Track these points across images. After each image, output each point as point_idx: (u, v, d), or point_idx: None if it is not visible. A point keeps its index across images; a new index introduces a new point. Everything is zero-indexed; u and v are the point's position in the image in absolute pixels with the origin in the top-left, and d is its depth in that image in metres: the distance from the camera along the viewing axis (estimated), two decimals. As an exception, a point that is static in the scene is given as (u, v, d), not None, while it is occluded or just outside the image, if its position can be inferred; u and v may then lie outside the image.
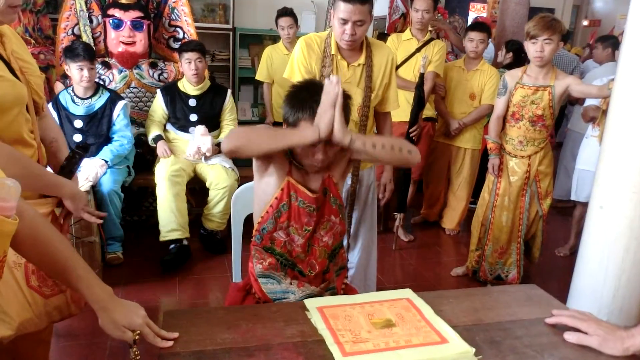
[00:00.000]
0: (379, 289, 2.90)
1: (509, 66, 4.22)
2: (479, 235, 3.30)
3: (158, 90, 3.62)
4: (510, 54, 4.52)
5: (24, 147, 1.55)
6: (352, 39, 2.24)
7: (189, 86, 3.58)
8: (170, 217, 3.30)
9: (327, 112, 1.50)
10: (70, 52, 3.20)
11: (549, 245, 3.90)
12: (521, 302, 1.43)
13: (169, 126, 3.66)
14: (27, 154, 1.55)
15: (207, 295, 3.11)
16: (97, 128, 3.31)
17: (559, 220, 4.67)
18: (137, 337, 1.16)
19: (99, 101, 3.32)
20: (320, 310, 1.33)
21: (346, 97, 1.59)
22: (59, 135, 1.82)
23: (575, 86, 2.94)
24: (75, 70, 3.18)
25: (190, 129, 3.56)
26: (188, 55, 3.48)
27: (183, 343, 1.18)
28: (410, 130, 3.57)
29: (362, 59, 2.37)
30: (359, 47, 2.37)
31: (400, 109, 3.73)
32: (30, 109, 1.60)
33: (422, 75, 3.48)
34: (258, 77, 4.56)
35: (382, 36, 6.33)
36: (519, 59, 4.45)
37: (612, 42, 5.04)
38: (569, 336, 1.23)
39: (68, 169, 1.69)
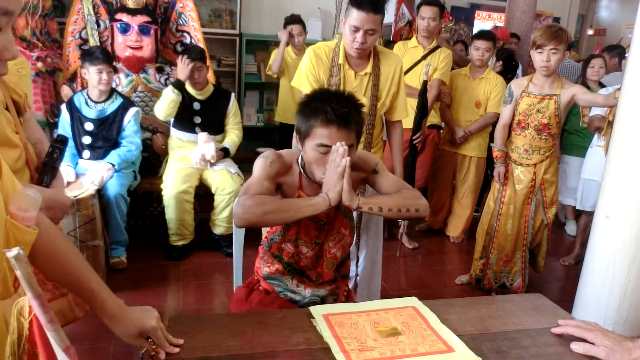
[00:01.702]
0: (383, 296, 2.89)
1: (500, 75, 4.22)
2: (484, 244, 3.29)
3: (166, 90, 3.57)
4: (500, 62, 4.52)
5: (10, 147, 1.51)
6: (362, 47, 2.25)
7: (192, 90, 3.58)
8: (177, 229, 3.47)
9: (336, 184, 1.54)
10: (89, 56, 3.24)
11: (554, 254, 3.89)
12: (527, 312, 1.43)
13: (173, 131, 3.66)
14: (13, 155, 1.52)
15: (212, 300, 3.11)
16: (107, 132, 3.33)
17: (564, 229, 4.66)
18: (153, 352, 1.15)
19: (111, 106, 3.34)
20: (325, 317, 1.33)
21: (359, 107, 1.61)
22: (43, 137, 1.79)
23: (581, 95, 2.93)
24: (94, 74, 3.21)
25: (196, 129, 3.57)
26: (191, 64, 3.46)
27: (188, 349, 1.17)
28: (414, 137, 3.57)
29: (369, 68, 2.38)
30: (367, 55, 2.37)
31: (405, 116, 3.74)
32: (10, 109, 1.56)
33: (425, 83, 3.48)
34: (267, 71, 4.61)
35: (388, 43, 6.34)
36: (509, 67, 4.44)
37: (618, 51, 5.04)
38: (576, 346, 1.23)
39: (50, 165, 1.65)
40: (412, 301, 1.44)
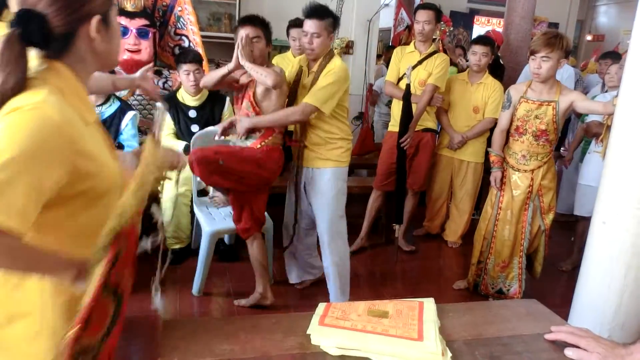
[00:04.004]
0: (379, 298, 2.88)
1: None
2: (481, 249, 3.29)
3: (158, 104, 3.56)
4: None
5: None
6: (310, 47, 2.74)
7: (187, 97, 3.54)
8: (173, 232, 3.47)
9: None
10: None
11: (552, 260, 3.89)
12: (521, 317, 1.43)
13: (171, 141, 3.58)
14: None
15: (208, 305, 3.10)
16: (104, 136, 3.32)
17: (561, 234, 4.65)
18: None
19: (109, 109, 3.32)
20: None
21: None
22: None
23: (580, 102, 2.93)
24: None
25: (192, 126, 3.53)
26: (186, 67, 3.43)
27: (182, 353, 1.17)
28: (401, 140, 3.58)
29: (315, 68, 2.82)
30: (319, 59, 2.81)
31: (397, 120, 3.76)
32: None
33: (407, 86, 3.50)
34: None
35: (387, 49, 6.35)
36: (495, 71, 4.43)
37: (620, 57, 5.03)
38: (570, 352, 1.23)
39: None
40: (428, 300, 1.40)
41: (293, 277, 3.30)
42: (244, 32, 2.65)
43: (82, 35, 1.09)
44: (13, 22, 1.00)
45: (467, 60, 4.88)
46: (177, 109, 3.55)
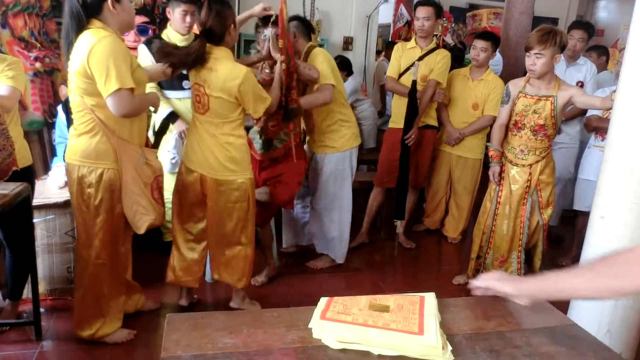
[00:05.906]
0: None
1: None
2: (480, 243, 3.30)
3: (141, 46, 3.28)
4: None
5: None
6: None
7: (176, 37, 3.24)
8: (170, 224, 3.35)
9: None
10: None
11: (552, 255, 3.90)
12: (522, 312, 1.43)
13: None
14: None
15: (210, 298, 3.12)
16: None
17: (561, 229, 4.66)
18: None
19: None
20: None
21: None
22: None
23: (578, 97, 2.94)
24: None
25: (184, 82, 3.25)
26: (186, 7, 3.19)
27: (185, 347, 1.18)
28: (405, 137, 3.58)
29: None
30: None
31: (401, 115, 3.75)
32: None
33: (414, 83, 3.49)
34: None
35: (387, 44, 6.35)
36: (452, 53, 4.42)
37: (603, 50, 5.04)
38: (477, 283, 1.40)
39: None
40: (429, 294, 1.40)
41: (285, 242, 3.81)
42: (272, 31, 2.86)
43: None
44: None
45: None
46: None
